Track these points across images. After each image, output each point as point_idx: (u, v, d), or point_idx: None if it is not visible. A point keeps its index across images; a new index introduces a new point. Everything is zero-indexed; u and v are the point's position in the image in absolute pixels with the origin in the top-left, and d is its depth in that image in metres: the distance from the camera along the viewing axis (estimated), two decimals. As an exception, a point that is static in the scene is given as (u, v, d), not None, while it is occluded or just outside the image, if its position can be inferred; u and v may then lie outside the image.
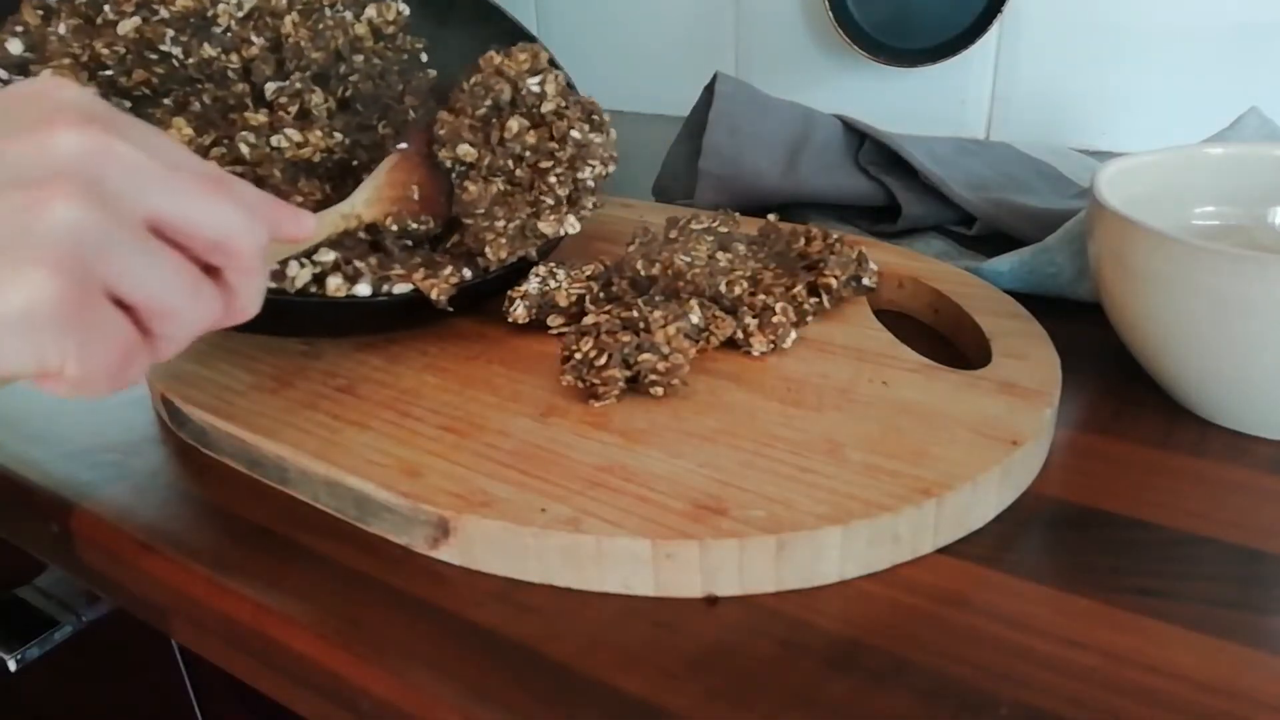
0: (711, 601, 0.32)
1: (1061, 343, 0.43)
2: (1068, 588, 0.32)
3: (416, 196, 0.45)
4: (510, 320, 0.45)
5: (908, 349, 0.43)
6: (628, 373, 0.40)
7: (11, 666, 0.44)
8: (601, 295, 0.46)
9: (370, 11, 0.53)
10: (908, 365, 0.42)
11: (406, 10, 0.54)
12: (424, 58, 0.55)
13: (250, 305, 0.31)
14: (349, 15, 0.52)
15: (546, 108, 0.48)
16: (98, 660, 0.53)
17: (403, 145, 0.46)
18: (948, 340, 0.49)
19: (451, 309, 0.43)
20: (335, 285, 0.42)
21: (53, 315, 0.25)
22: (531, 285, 0.45)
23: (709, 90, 0.66)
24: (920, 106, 0.85)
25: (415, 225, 0.45)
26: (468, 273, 0.45)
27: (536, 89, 0.49)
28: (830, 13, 0.82)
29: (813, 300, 0.46)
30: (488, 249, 0.45)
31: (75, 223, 0.25)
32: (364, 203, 0.43)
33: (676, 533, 0.32)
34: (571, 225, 0.47)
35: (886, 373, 0.41)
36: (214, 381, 0.43)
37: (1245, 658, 0.29)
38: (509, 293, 0.46)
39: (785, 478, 0.35)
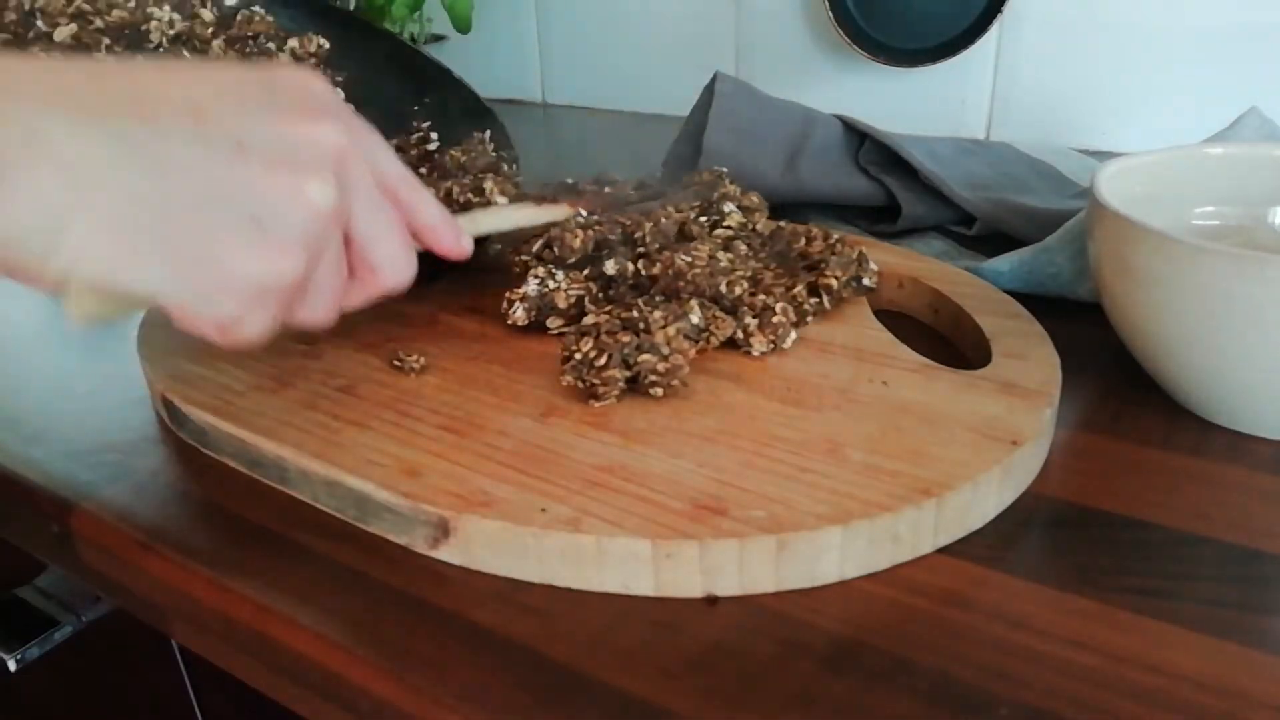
0: (711, 601, 0.32)
1: (1061, 343, 0.43)
2: (1068, 588, 0.32)
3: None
4: (509, 323, 0.45)
5: (908, 349, 0.43)
6: (627, 373, 0.40)
7: (11, 666, 0.44)
8: (601, 296, 0.46)
9: (293, 43, 0.56)
10: (908, 365, 0.42)
11: (326, 44, 0.57)
12: (341, 94, 0.58)
13: (355, 307, 0.35)
14: (272, 45, 0.55)
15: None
16: (98, 660, 0.53)
17: (567, 207, 0.47)
18: (948, 340, 0.49)
19: None
20: None
21: (278, 292, 0.30)
22: (530, 287, 0.45)
23: (709, 90, 0.66)
24: (920, 106, 0.85)
25: None
26: None
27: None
28: (830, 13, 0.82)
29: (813, 300, 0.46)
30: None
31: (327, 211, 0.30)
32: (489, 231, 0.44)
33: (676, 533, 0.32)
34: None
35: (886, 373, 0.41)
36: (214, 381, 0.43)
37: (1245, 658, 0.29)
38: (507, 294, 0.46)
39: (785, 478, 0.35)
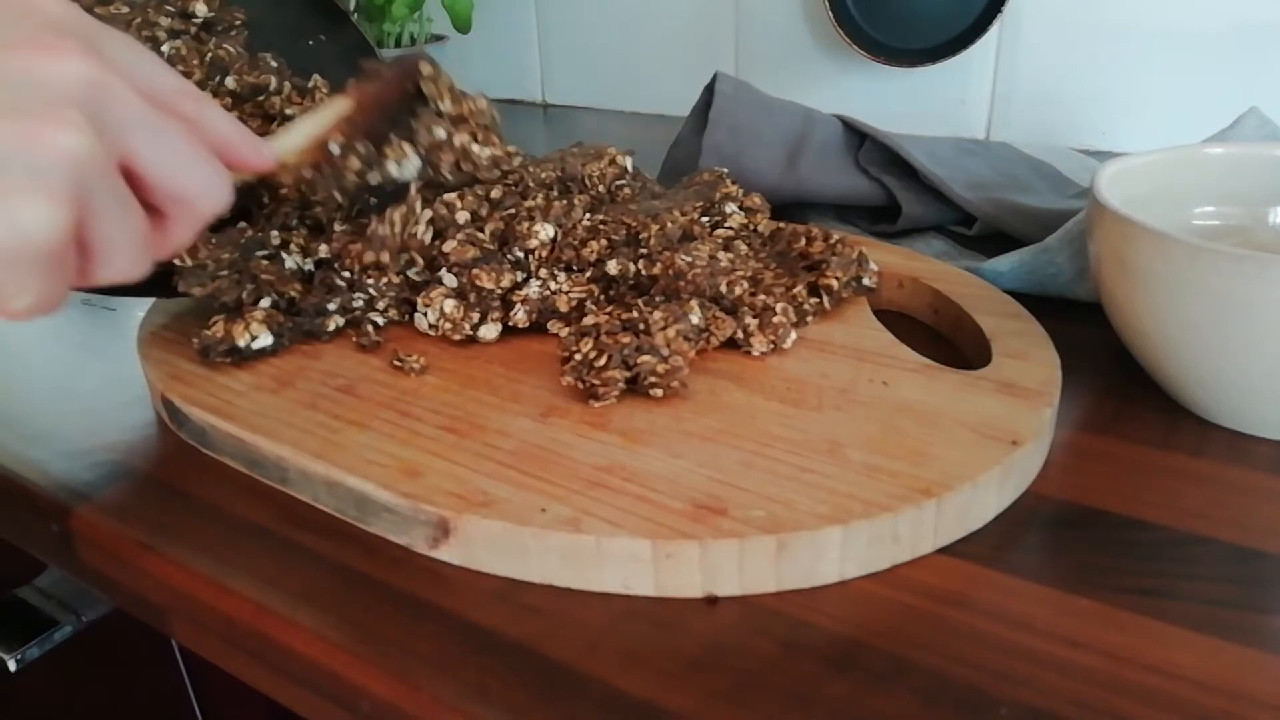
0: (711, 601, 0.32)
1: (1061, 343, 0.43)
2: (1068, 588, 0.32)
3: (338, 152, 0.43)
4: (510, 325, 0.45)
5: (908, 349, 0.43)
6: (627, 374, 0.40)
7: (11, 666, 0.44)
8: (602, 297, 0.46)
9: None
10: (908, 365, 0.42)
11: None
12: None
13: (181, 247, 0.32)
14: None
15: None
16: (98, 660, 0.53)
17: (345, 98, 0.44)
18: (948, 340, 0.49)
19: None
20: None
21: (41, 254, 0.25)
22: (532, 290, 0.45)
23: (709, 90, 0.66)
24: (920, 106, 0.85)
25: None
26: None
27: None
28: (830, 13, 0.82)
29: (813, 300, 0.46)
30: None
31: (80, 156, 0.25)
32: (294, 150, 0.42)
33: (676, 533, 0.32)
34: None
35: (886, 373, 0.41)
36: (214, 381, 0.43)
37: (1245, 658, 0.29)
38: (509, 297, 0.46)
39: (785, 478, 0.35)
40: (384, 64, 0.47)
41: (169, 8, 0.53)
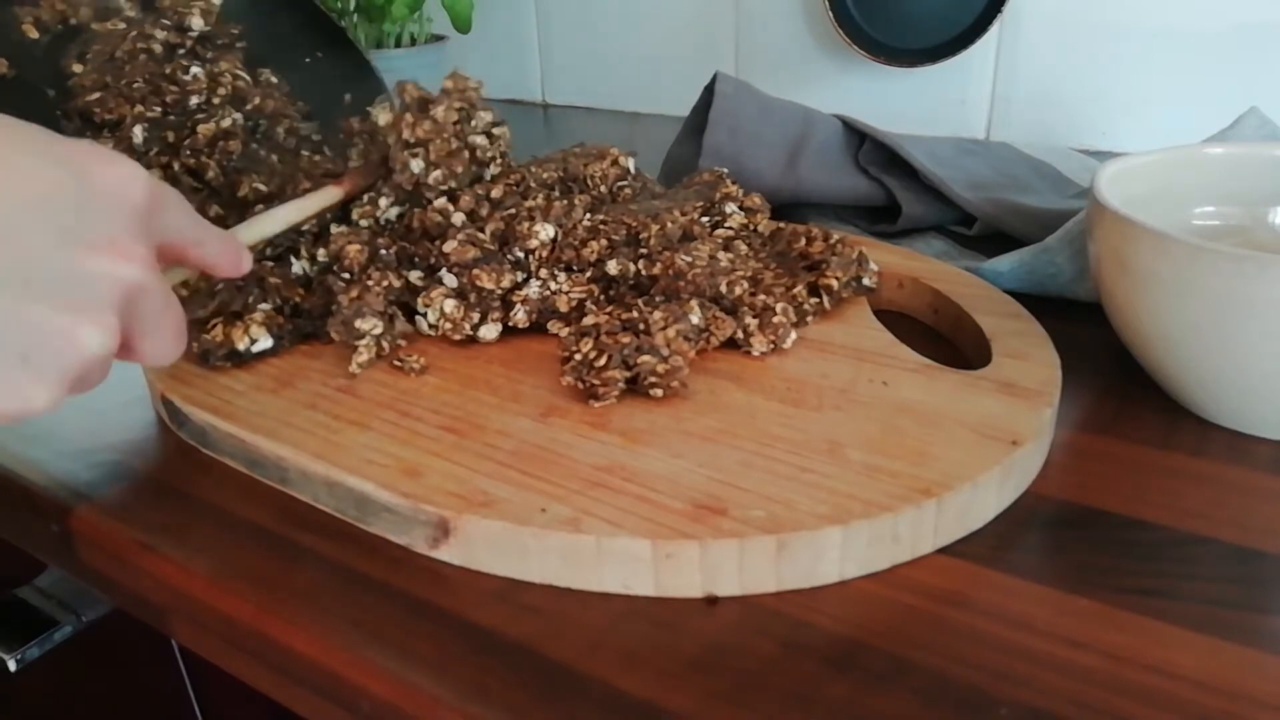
0: (711, 601, 0.32)
1: (1061, 343, 0.43)
2: (1068, 588, 0.32)
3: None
4: (510, 325, 0.45)
5: (908, 349, 0.43)
6: (627, 374, 0.40)
7: (11, 666, 0.44)
8: (602, 298, 0.46)
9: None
10: (908, 365, 0.42)
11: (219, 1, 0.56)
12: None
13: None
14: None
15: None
16: (98, 660, 0.53)
17: (336, 188, 0.47)
18: (948, 340, 0.49)
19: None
20: None
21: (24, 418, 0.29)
22: (532, 290, 0.45)
23: (709, 90, 0.66)
24: (920, 106, 0.85)
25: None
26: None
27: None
28: (830, 13, 0.82)
29: (813, 300, 0.46)
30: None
31: (95, 356, 0.29)
32: (269, 236, 0.44)
33: (676, 533, 0.32)
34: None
35: (886, 373, 0.41)
36: (214, 381, 0.43)
37: (1245, 658, 0.29)
38: (509, 297, 0.46)
39: (785, 478, 0.35)
40: (369, 159, 0.50)
41: (165, 22, 0.53)
